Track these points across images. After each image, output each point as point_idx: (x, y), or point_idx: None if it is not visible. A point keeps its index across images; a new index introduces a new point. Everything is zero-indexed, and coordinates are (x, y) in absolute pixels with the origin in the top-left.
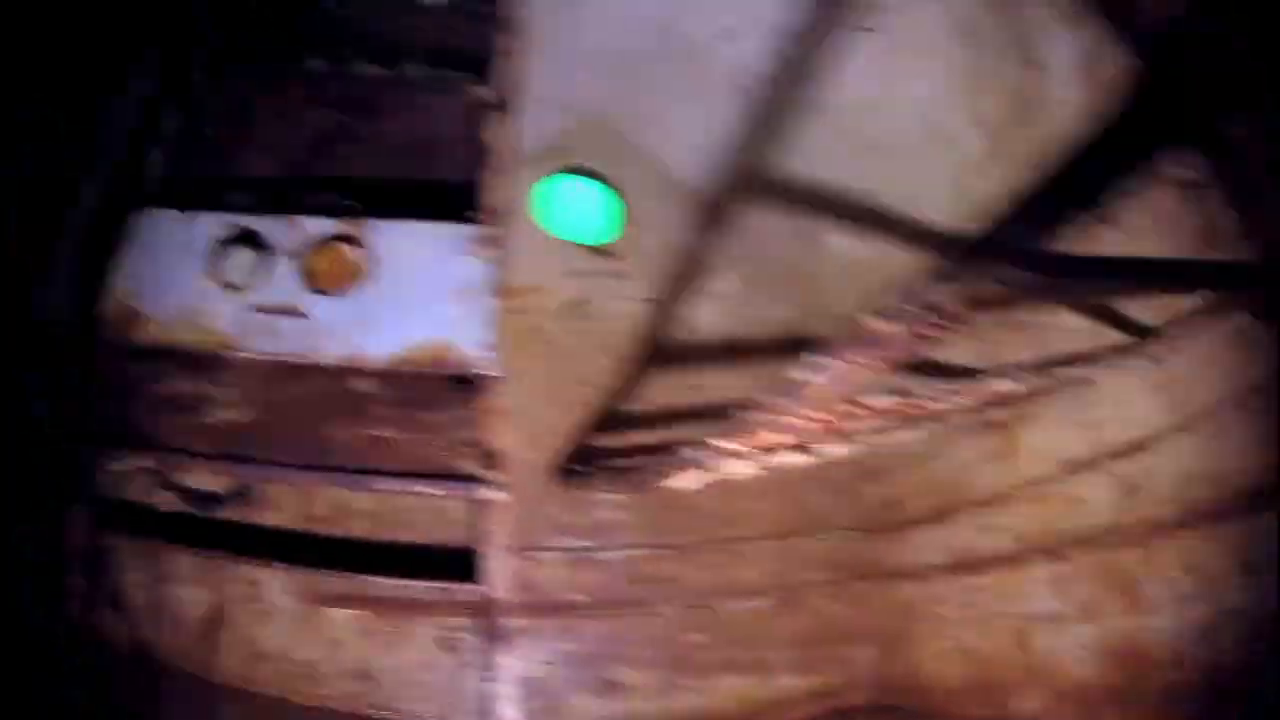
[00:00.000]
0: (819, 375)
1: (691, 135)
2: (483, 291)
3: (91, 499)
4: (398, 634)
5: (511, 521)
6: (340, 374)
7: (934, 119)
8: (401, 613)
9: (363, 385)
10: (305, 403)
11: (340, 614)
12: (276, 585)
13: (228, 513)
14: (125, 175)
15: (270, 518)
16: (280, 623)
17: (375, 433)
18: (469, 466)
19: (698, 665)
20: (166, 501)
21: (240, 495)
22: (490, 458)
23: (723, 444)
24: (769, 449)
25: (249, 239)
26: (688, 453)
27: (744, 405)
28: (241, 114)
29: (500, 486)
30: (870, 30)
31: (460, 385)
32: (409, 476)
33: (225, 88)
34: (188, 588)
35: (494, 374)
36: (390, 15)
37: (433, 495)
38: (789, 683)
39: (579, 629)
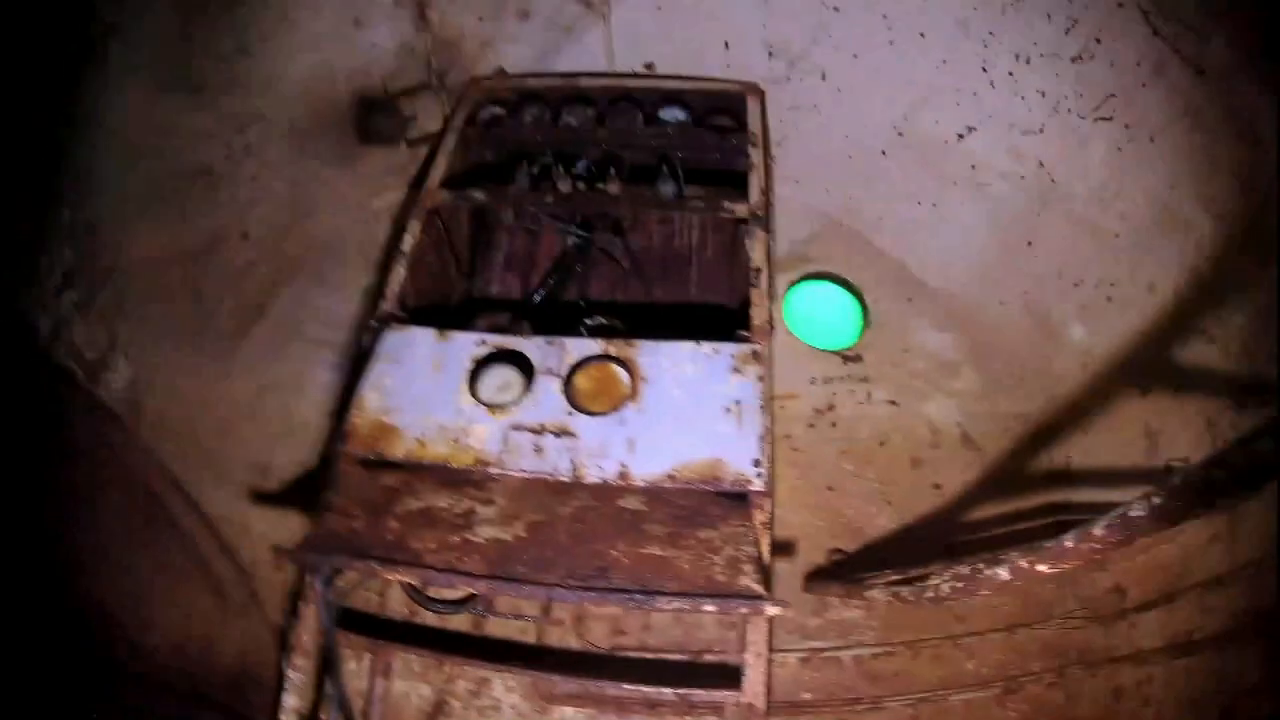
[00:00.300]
0: (1149, 511)
1: (932, 233)
2: (750, 408)
3: (325, 601)
4: None
5: (765, 629)
6: (610, 493)
7: (1167, 205)
8: (631, 714)
9: (633, 504)
10: (574, 522)
11: (568, 713)
12: (504, 683)
13: (464, 619)
14: (373, 292)
15: (505, 623)
16: (504, 718)
17: (649, 551)
18: (746, 583)
19: None
20: (403, 605)
21: (477, 599)
22: (764, 572)
23: (1030, 564)
24: None
25: (511, 359)
26: (984, 570)
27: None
28: (488, 231)
29: (775, 602)
30: (1108, 119)
31: (731, 500)
32: (689, 596)
33: (470, 206)
34: (412, 683)
35: (763, 489)
36: (636, 134)
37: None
38: None
39: None
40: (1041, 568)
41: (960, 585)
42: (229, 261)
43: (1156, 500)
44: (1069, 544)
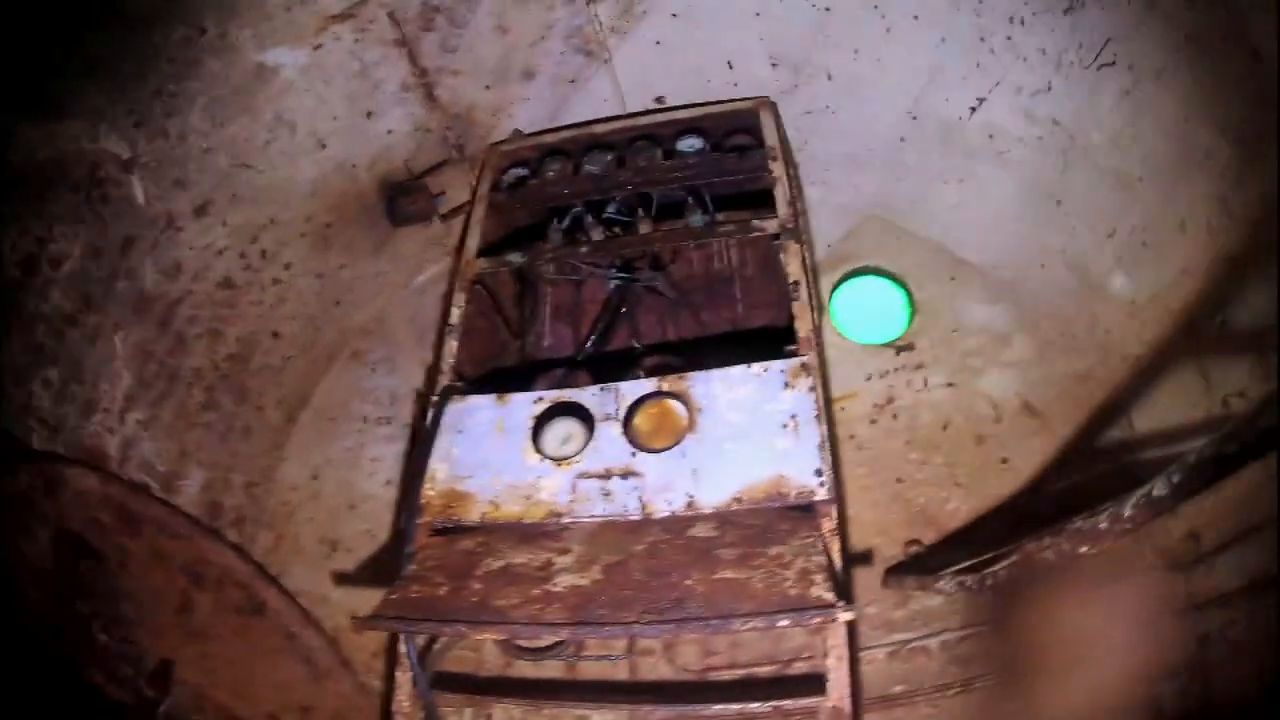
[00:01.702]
0: (1169, 488)
1: (963, 209)
2: (806, 419)
3: (419, 666)
4: None
5: (844, 632)
6: (680, 524)
7: (1185, 138)
8: None
9: (703, 531)
10: (648, 558)
11: None
12: (601, 717)
13: (556, 663)
14: (431, 367)
15: (597, 661)
16: None
17: (722, 576)
18: (817, 593)
19: None
20: (497, 658)
21: (566, 644)
22: (835, 579)
23: (1074, 547)
24: None
25: (570, 410)
26: (1031, 554)
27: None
28: (533, 289)
29: (847, 608)
30: (1111, 64)
31: (799, 513)
32: (763, 614)
33: (510, 268)
34: None
35: (828, 497)
36: (658, 169)
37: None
38: None
39: (903, 718)
40: (1083, 549)
41: (1016, 573)
42: (265, 361)
43: (1175, 478)
44: (1103, 526)
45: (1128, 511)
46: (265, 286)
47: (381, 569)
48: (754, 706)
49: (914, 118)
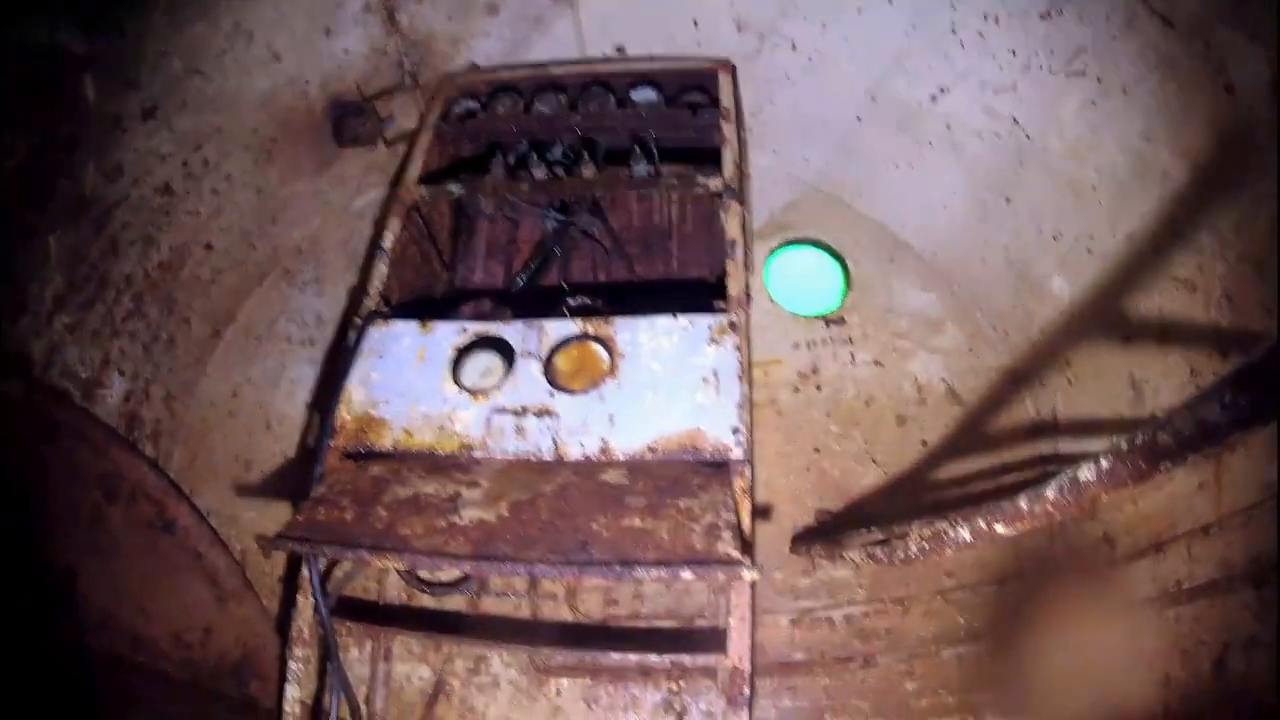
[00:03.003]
0: (1097, 474)
1: (911, 194)
2: (728, 377)
3: (320, 591)
4: (622, 701)
5: (750, 592)
6: (591, 468)
7: (1143, 156)
8: (627, 681)
9: (614, 478)
10: (557, 499)
11: (564, 683)
12: (501, 659)
13: (461, 599)
14: (357, 290)
15: (499, 601)
16: (502, 693)
17: (628, 523)
18: (723, 549)
19: (911, 711)
20: (400, 590)
21: (469, 580)
22: (742, 539)
23: (990, 525)
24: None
25: (492, 344)
26: (944, 530)
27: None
28: (469, 222)
29: (751, 567)
30: (1080, 74)
31: (711, 469)
32: (668, 565)
33: (448, 198)
34: (413, 665)
35: (742, 456)
36: (609, 117)
37: (689, 580)
38: None
39: (802, 686)
40: (999, 528)
41: (927, 546)
42: (195, 273)
43: (1104, 463)
44: (1023, 506)
45: (1051, 494)
46: (204, 196)
47: (294, 491)
48: (653, 659)
49: (873, 99)
